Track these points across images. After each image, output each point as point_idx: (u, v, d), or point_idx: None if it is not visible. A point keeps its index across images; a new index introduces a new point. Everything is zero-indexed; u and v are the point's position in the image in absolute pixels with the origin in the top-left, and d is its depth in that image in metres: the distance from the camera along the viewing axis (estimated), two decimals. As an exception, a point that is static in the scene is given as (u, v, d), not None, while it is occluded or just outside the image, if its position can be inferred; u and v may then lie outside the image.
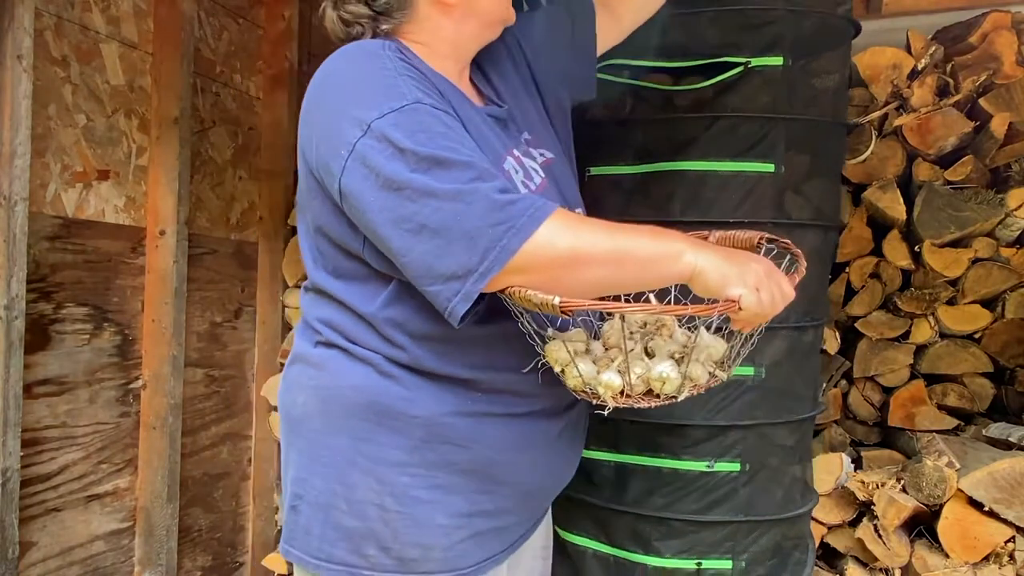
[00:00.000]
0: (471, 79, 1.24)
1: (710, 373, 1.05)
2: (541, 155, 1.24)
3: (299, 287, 1.29)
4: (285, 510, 1.18)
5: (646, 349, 1.08)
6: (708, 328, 1.05)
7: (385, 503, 1.07)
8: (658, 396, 1.02)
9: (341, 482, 1.08)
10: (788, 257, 1.09)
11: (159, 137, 2.00)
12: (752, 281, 0.94)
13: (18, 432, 1.60)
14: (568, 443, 1.23)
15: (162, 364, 2.01)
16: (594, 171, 1.66)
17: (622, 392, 1.01)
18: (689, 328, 1.11)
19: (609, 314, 1.09)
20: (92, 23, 1.83)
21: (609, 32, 1.38)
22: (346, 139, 0.98)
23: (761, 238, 1.17)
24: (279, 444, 1.28)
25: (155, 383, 2.01)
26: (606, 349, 1.08)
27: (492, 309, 1.03)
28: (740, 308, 0.92)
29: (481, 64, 1.26)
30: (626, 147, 1.60)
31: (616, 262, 0.96)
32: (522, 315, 1.01)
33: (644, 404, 1.02)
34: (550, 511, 1.35)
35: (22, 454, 1.62)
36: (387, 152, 0.96)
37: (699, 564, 1.54)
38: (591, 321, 1.16)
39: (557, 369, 1.04)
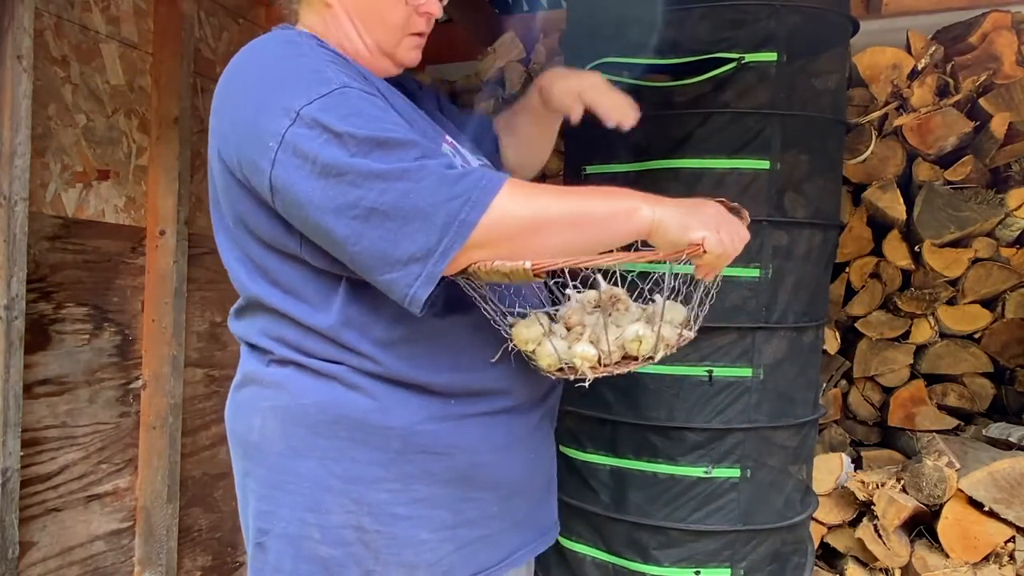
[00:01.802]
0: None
1: (678, 334, 1.05)
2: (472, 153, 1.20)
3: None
4: (250, 547, 1.10)
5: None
6: (673, 293, 1.05)
7: (363, 524, 1.01)
8: (636, 359, 1.01)
9: (312, 509, 1.01)
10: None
11: (159, 137, 2.00)
12: (712, 223, 0.94)
13: (18, 432, 1.60)
14: (543, 437, 1.19)
15: (162, 364, 2.01)
16: (590, 170, 1.66)
17: (599, 361, 0.99)
18: (643, 300, 1.12)
19: (566, 298, 1.09)
20: (92, 23, 1.83)
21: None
22: (273, 130, 0.92)
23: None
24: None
25: (155, 383, 2.01)
26: (568, 329, 1.05)
27: (451, 299, 1.00)
28: (705, 251, 0.93)
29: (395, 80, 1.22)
30: (621, 145, 1.60)
31: (575, 224, 0.93)
32: (484, 299, 0.99)
33: (623, 369, 1.00)
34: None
35: (22, 454, 1.63)
36: (321, 139, 0.90)
37: (698, 572, 1.54)
38: (544, 306, 1.13)
39: (529, 349, 1.00)
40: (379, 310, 0.99)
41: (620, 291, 1.09)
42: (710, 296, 1.06)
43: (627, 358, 1.01)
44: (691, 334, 1.07)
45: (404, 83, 1.26)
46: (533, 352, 1.00)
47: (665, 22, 1.51)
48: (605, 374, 1.00)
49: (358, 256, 0.91)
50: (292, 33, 1.04)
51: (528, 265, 0.87)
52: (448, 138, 1.14)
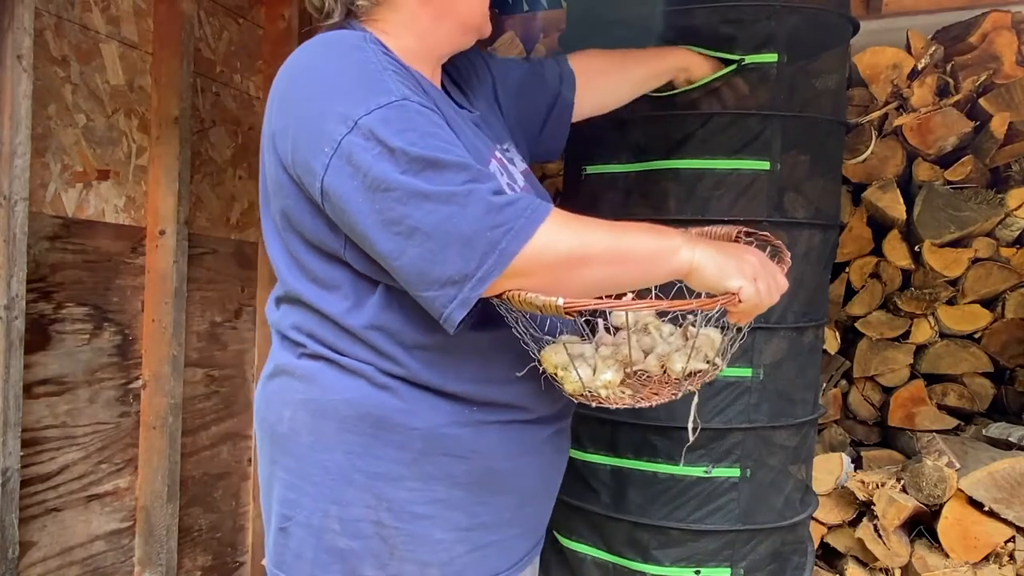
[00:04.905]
0: (442, 84, 1.20)
1: (709, 363, 1.05)
2: (519, 162, 1.23)
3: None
4: (272, 531, 1.13)
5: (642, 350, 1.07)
6: (708, 321, 1.03)
7: (382, 519, 1.04)
8: (666, 385, 1.00)
9: (335, 501, 1.04)
10: (769, 248, 1.08)
11: (159, 137, 2.00)
12: (749, 273, 0.94)
13: (18, 432, 1.60)
14: (556, 448, 1.21)
15: (162, 364, 2.01)
16: (590, 170, 1.66)
17: (624, 389, 1.00)
18: (675, 323, 1.11)
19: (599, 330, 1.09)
20: (92, 23, 1.83)
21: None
22: (330, 136, 0.94)
23: (739, 232, 1.15)
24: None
25: (155, 383, 2.01)
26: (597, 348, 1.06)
27: (487, 315, 1.00)
28: (740, 300, 0.92)
29: (449, 73, 1.24)
30: (622, 145, 1.60)
31: (616, 261, 0.94)
32: (516, 321, 0.99)
33: (645, 403, 1.00)
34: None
35: (22, 454, 1.62)
36: (375, 151, 0.92)
37: (697, 572, 1.54)
38: (581, 326, 1.13)
39: (554, 373, 1.02)
40: (412, 317, 1.02)
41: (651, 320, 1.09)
42: (742, 335, 1.05)
43: (662, 382, 1.01)
44: (723, 365, 1.06)
45: (464, 76, 1.28)
46: (559, 376, 1.01)
47: (665, 22, 1.52)
48: (628, 405, 1.00)
49: (399, 270, 0.93)
50: (357, 37, 1.03)
51: (560, 302, 0.88)
52: (497, 152, 1.16)
